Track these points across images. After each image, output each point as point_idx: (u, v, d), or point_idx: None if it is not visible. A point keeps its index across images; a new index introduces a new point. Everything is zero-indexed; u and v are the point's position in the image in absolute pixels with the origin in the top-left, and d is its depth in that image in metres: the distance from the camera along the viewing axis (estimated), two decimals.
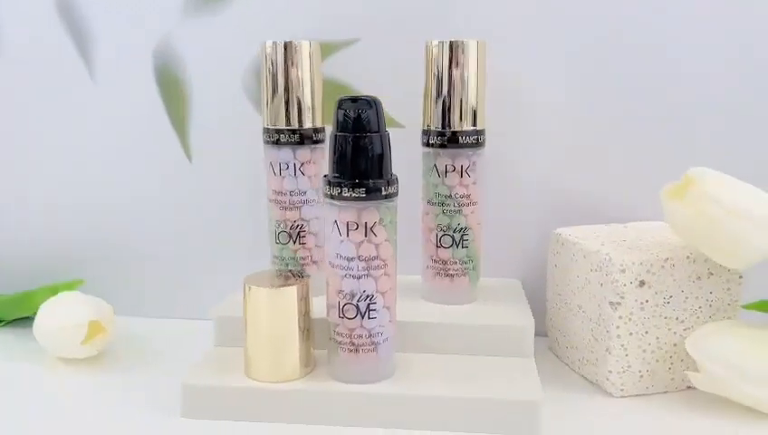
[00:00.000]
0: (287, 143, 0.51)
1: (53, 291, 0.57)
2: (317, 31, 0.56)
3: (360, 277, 0.43)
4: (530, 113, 0.56)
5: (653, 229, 0.53)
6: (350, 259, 0.43)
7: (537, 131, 0.57)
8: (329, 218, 0.43)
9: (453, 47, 0.49)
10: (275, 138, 0.51)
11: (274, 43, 0.50)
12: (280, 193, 0.52)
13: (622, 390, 0.48)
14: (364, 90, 0.56)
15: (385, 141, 0.42)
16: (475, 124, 0.50)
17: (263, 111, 0.52)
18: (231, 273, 0.59)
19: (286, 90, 0.51)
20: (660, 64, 0.55)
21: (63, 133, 0.61)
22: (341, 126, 0.42)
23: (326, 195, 0.43)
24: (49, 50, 0.59)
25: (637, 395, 0.48)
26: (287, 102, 0.51)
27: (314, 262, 0.53)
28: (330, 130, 0.52)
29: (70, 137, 0.61)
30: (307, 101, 0.51)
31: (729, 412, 0.45)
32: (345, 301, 0.43)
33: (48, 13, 0.59)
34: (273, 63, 0.50)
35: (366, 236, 0.42)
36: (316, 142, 0.52)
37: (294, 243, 0.53)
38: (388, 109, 0.46)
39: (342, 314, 0.43)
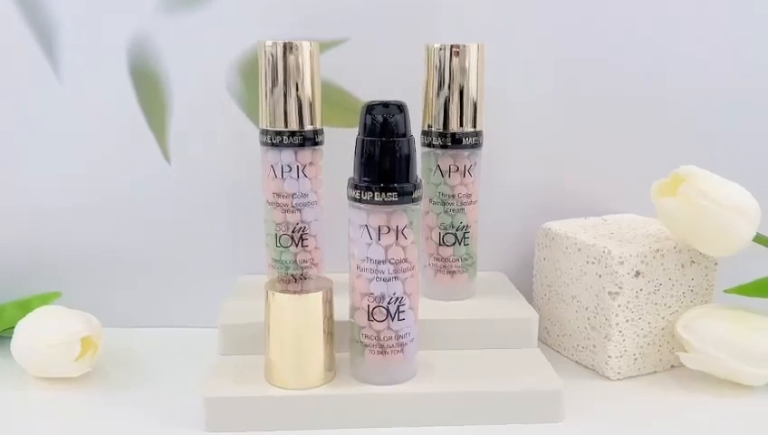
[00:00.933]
0: (289, 145, 0.50)
1: (26, 305, 0.53)
2: (306, 29, 0.55)
3: (389, 280, 0.43)
4: (508, 112, 0.58)
5: (630, 221, 0.57)
6: (379, 262, 0.43)
7: (518, 129, 0.59)
8: (355, 222, 0.43)
9: (454, 50, 0.50)
10: (277, 140, 0.50)
11: (274, 42, 0.49)
12: (280, 195, 0.51)
13: (619, 373, 0.51)
14: (352, 89, 0.56)
15: (412, 145, 0.43)
16: (475, 126, 0.51)
17: (261, 112, 0.51)
18: (219, 278, 0.58)
19: (286, 90, 0.50)
20: (649, 65, 0.58)
21: (29, 135, 0.56)
22: (370, 130, 0.42)
23: (354, 199, 0.43)
24: (9, 46, 0.55)
25: (630, 377, 0.52)
26: (287, 104, 0.50)
27: (315, 264, 0.53)
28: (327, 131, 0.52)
29: (36, 139, 0.56)
30: (308, 103, 0.50)
31: (716, 387, 0.50)
32: (375, 304, 0.43)
33: (5, 5, 0.54)
34: (272, 63, 0.49)
35: (396, 239, 0.43)
36: (316, 144, 0.51)
37: (297, 246, 0.52)
38: None
39: (372, 317, 0.44)
